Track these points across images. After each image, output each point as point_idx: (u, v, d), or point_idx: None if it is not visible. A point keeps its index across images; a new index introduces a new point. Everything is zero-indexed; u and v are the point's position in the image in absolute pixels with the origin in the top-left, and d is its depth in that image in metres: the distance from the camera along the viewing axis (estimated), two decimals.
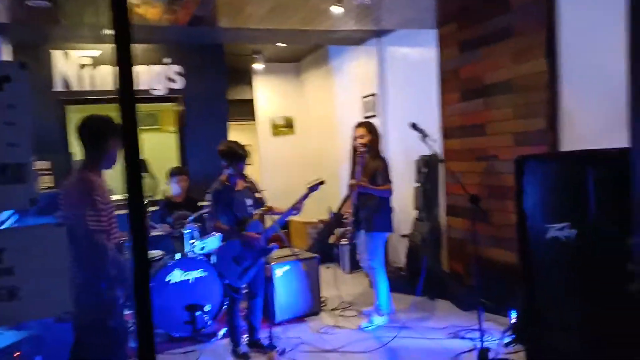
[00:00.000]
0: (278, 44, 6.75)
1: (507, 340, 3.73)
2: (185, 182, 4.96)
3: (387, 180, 4.15)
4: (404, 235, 5.62)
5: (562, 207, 2.87)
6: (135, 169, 1.19)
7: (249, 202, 3.79)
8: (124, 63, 1.19)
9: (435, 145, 3.68)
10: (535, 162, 3.09)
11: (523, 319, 3.57)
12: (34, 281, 1.23)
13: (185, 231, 4.35)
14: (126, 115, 1.24)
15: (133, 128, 1.22)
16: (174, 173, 4.96)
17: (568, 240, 2.76)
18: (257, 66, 7.60)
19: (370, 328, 4.22)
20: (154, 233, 4.81)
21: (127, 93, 1.21)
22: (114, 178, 6.41)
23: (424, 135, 3.75)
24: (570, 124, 3.88)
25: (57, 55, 5.54)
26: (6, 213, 4.26)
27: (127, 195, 1.19)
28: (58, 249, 1.25)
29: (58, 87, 5.53)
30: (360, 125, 4.28)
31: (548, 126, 3.96)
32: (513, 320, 3.75)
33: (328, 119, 7.75)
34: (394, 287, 4.66)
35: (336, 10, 4.31)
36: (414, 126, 3.85)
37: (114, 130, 2.60)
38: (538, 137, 4.04)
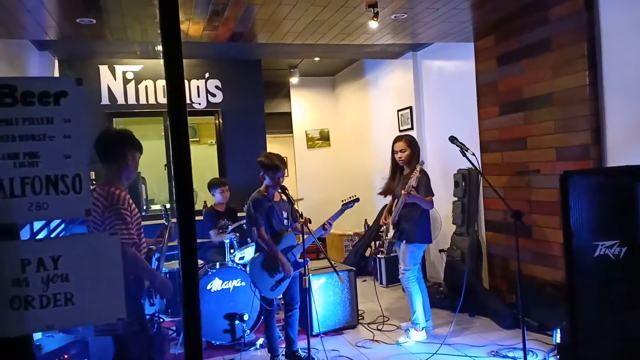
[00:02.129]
0: (314, 59, 6.83)
1: None
2: (227, 192, 5.08)
3: (429, 192, 4.14)
4: (442, 251, 5.53)
5: (610, 224, 2.78)
6: (187, 180, 1.22)
7: (285, 214, 3.82)
8: (175, 78, 1.24)
9: (474, 159, 3.62)
10: (582, 177, 3.00)
11: (569, 339, 3.44)
12: (88, 288, 1.27)
13: (225, 241, 4.44)
14: (177, 128, 1.28)
15: (185, 141, 1.26)
16: (216, 184, 5.08)
17: (617, 257, 2.66)
18: (293, 80, 7.71)
19: (408, 344, 4.16)
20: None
21: (178, 108, 1.25)
22: (155, 189, 6.52)
23: (464, 149, 3.69)
24: (616, 139, 3.77)
25: (103, 70, 5.78)
26: (55, 221, 4.44)
27: (178, 205, 1.23)
28: (112, 256, 1.29)
29: (105, 100, 5.76)
30: (400, 138, 4.28)
31: (593, 140, 3.86)
32: (558, 340, 3.62)
33: (363, 131, 7.76)
34: (433, 302, 4.59)
35: (372, 24, 4.34)
36: (454, 140, 3.81)
37: (130, 143, 2.61)
38: (582, 152, 3.93)
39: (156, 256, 2.91)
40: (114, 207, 2.43)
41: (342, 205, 3.95)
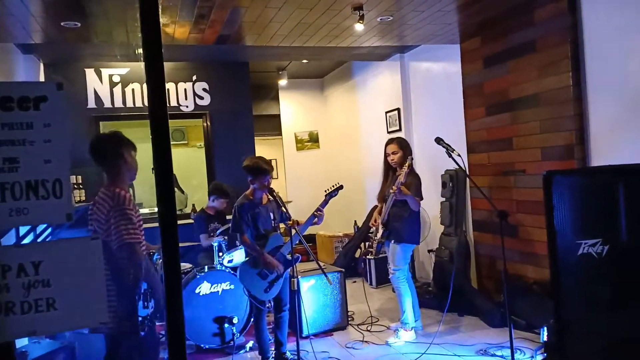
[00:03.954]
0: (302, 61, 6.84)
1: (538, 358, 3.63)
2: (225, 204, 5.05)
3: (419, 194, 4.17)
4: (430, 251, 5.56)
5: (593, 223, 2.81)
6: (168, 183, 1.22)
7: (272, 215, 3.81)
8: (156, 81, 1.24)
9: (461, 159, 3.65)
10: (565, 177, 3.03)
11: (554, 337, 3.47)
12: (70, 293, 1.27)
13: (214, 244, 4.43)
14: (158, 132, 1.28)
15: (166, 144, 1.26)
16: (217, 194, 5.05)
17: (600, 256, 2.70)
18: (282, 82, 7.71)
19: (397, 344, 4.17)
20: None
21: (159, 111, 1.25)
22: (143, 192, 6.48)
23: (449, 149, 3.72)
24: (599, 138, 3.82)
25: (89, 73, 5.73)
26: (41, 226, 4.40)
27: (160, 208, 1.23)
28: (93, 261, 1.29)
29: (92, 104, 5.72)
30: (392, 141, 4.32)
31: (576, 140, 3.91)
32: (545, 338, 3.66)
33: (352, 133, 7.78)
34: (422, 302, 4.61)
35: (359, 27, 4.36)
36: (440, 141, 3.84)
37: (125, 142, 2.63)
38: (566, 152, 3.98)
39: (155, 257, 2.93)
40: (120, 207, 2.45)
41: (326, 195, 3.88)
